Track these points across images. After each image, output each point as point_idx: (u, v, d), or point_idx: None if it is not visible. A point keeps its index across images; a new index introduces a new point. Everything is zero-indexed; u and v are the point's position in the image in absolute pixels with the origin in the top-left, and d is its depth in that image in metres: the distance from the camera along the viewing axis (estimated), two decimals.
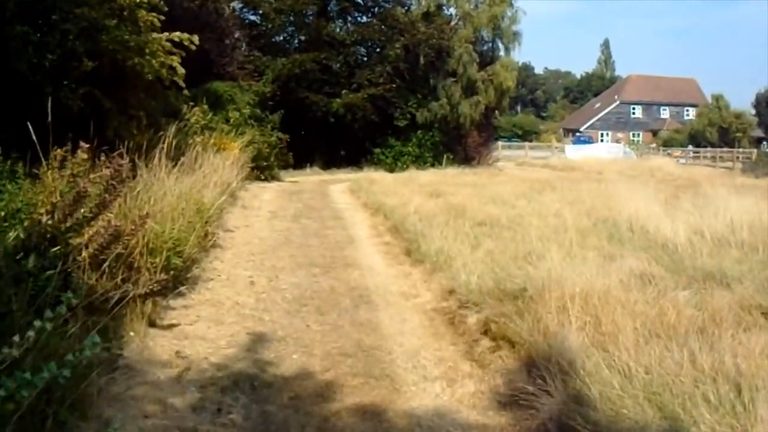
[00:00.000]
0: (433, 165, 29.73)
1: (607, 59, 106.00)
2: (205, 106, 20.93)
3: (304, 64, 27.97)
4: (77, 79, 9.66)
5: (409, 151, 30.64)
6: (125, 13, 10.31)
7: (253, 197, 15.86)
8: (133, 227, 5.25)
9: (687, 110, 76.50)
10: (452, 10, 33.96)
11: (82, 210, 5.18)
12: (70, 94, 9.53)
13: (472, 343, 5.41)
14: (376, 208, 13.52)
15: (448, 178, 20.65)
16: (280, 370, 4.86)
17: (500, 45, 34.29)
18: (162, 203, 7.25)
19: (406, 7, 32.29)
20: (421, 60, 31.20)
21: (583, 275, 6.17)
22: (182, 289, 6.45)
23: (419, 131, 30.95)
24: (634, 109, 77.92)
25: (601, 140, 72.40)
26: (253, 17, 30.30)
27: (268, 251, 9.29)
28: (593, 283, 5.49)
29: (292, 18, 29.98)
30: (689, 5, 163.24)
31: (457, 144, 32.92)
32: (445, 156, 30.61)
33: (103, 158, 5.44)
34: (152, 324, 5.41)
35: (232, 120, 22.22)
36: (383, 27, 30.29)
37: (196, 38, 11.28)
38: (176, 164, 9.73)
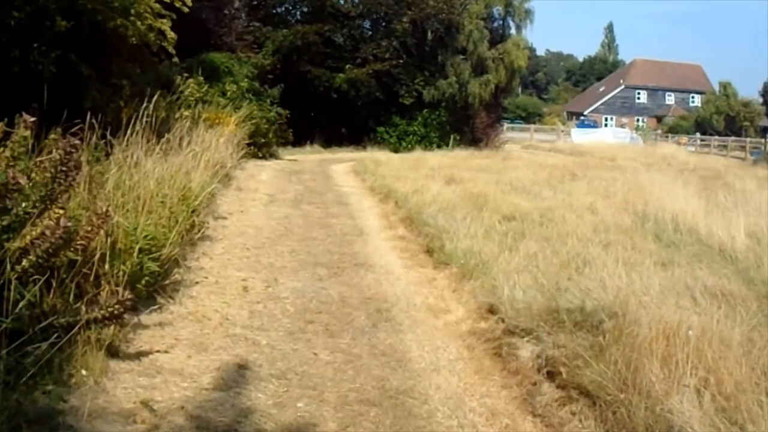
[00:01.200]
0: (439, 146, 28.34)
1: (610, 43, 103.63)
2: (201, 78, 19.71)
3: (307, 36, 26.36)
4: (49, 41, 8.39)
5: (414, 130, 29.13)
6: None
7: (249, 177, 14.61)
8: (89, 227, 3.98)
9: (692, 97, 75.08)
10: None
11: (23, 204, 3.94)
12: (40, 57, 8.29)
13: (530, 387, 4.16)
14: (385, 194, 12.27)
15: (459, 161, 19.35)
16: (281, 426, 3.63)
17: (511, 23, 32.74)
18: (138, 190, 5.96)
19: None
20: (429, 36, 29.57)
21: (658, 293, 4.98)
22: (159, 299, 5.21)
23: (425, 110, 29.38)
24: (639, 94, 76.45)
25: (605, 125, 70.91)
26: None
27: (265, 245, 8.05)
28: (689, 315, 4.24)
29: None
30: None
31: (465, 125, 31.39)
32: (452, 137, 29.17)
33: (53, 136, 4.18)
34: (114, 353, 4.16)
35: (229, 93, 20.88)
36: (390, 0, 28.63)
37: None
38: (162, 142, 8.43)
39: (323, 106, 27.65)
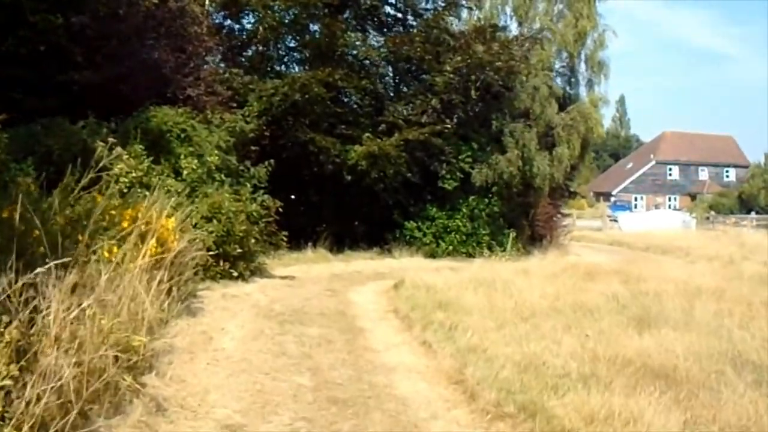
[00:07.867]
0: (490, 247, 21.46)
1: (621, 117, 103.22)
2: (139, 148, 12.94)
3: (309, 88, 18.98)
4: None
5: (457, 225, 22.00)
6: None
7: (196, 349, 7.56)
8: None
9: (726, 171, 74.58)
10: (515, 27, 25.70)
11: None
12: None
13: None
14: None
15: (564, 288, 12.04)
16: None
17: (581, 78, 25.98)
18: None
19: (453, 21, 23.73)
20: (473, 93, 22.29)
21: None
22: None
23: (471, 197, 22.39)
24: (670, 169, 74.68)
25: (635, 205, 70.47)
26: (231, 23, 21.64)
27: None
28: None
29: (293, 15, 20.93)
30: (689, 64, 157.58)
31: (523, 217, 24.04)
32: (510, 235, 22.05)
33: None
34: None
35: (186, 173, 13.93)
36: (426, 43, 21.35)
37: None
38: None
39: (331, 192, 20.51)
